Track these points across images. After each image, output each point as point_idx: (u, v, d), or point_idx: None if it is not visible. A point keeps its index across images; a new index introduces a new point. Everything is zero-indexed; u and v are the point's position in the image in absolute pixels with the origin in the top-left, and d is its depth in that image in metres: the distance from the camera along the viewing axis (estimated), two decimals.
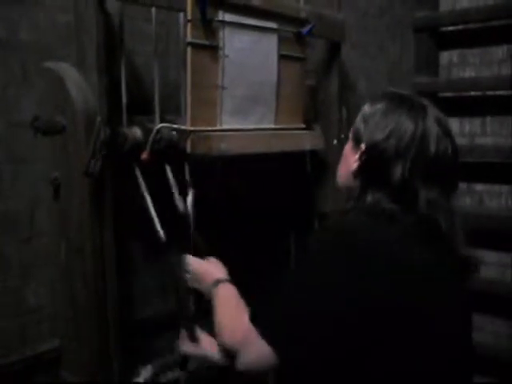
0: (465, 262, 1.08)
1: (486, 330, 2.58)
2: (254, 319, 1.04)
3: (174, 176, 1.46)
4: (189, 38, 1.40)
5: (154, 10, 1.44)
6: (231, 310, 1.17)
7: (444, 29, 2.83)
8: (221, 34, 1.47)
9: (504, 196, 2.72)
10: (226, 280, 1.27)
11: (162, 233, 1.42)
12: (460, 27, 2.78)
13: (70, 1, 1.33)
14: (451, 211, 1.03)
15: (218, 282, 1.26)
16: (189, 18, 1.39)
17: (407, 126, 1.03)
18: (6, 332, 1.38)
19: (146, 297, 1.60)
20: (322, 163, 1.99)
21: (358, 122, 1.13)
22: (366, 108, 1.12)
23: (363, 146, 1.07)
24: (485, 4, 2.65)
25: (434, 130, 1.03)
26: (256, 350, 1.02)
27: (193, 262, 1.35)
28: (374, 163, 1.06)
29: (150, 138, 1.39)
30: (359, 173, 1.08)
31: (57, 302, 1.40)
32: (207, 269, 1.33)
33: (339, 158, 1.22)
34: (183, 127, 1.43)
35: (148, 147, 1.38)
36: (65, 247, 1.33)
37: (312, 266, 1.02)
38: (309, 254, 1.06)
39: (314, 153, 1.89)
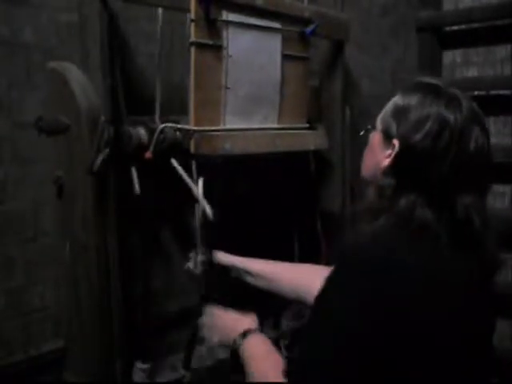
0: (494, 266, 1.03)
1: None
2: (290, 373, 0.98)
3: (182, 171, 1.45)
4: (192, 38, 1.40)
5: (158, 10, 1.44)
6: (265, 367, 1.08)
7: (447, 28, 2.82)
8: (224, 33, 1.47)
9: (507, 196, 2.71)
10: (254, 330, 1.19)
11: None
12: (463, 26, 2.77)
13: (73, 1, 1.33)
14: (486, 213, 0.97)
15: (244, 333, 1.17)
16: (192, 17, 1.39)
17: (446, 122, 0.94)
18: (10, 332, 1.38)
19: (151, 296, 1.60)
20: (325, 163, 1.99)
21: (389, 114, 1.02)
22: (399, 100, 1.02)
23: (397, 144, 0.98)
24: (488, 3, 2.64)
25: (472, 126, 0.95)
26: None
27: (215, 313, 1.30)
28: (410, 164, 0.97)
29: (154, 138, 1.39)
30: (391, 171, 0.99)
31: (61, 302, 1.41)
32: (230, 322, 1.25)
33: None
34: (187, 127, 1.43)
35: (151, 147, 1.38)
36: (69, 247, 1.33)
37: (340, 308, 0.93)
38: (335, 291, 0.95)
39: (317, 152, 1.88)
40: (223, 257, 1.45)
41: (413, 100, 0.99)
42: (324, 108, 2.00)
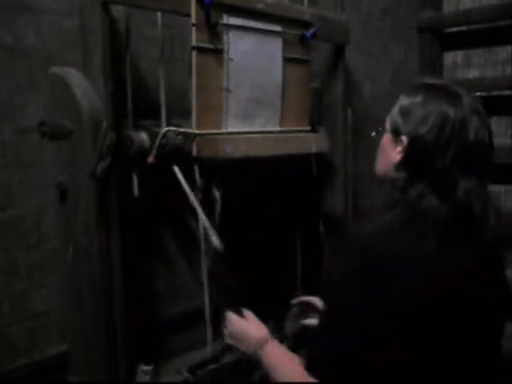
0: (494, 253, 1.09)
1: None
2: (310, 368, 1.06)
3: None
4: (193, 42, 1.40)
5: (159, 14, 1.44)
6: (288, 371, 1.14)
7: (448, 29, 2.83)
8: (225, 37, 1.47)
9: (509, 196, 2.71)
10: (268, 339, 1.25)
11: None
12: (464, 28, 2.78)
13: (75, 6, 1.34)
14: (486, 198, 1.04)
15: (261, 342, 1.23)
16: (193, 22, 1.39)
17: (447, 116, 1.03)
18: (14, 336, 1.38)
19: (154, 298, 1.61)
20: (327, 165, 1.99)
21: (396, 114, 1.11)
22: (404, 100, 1.11)
23: (405, 139, 1.07)
24: (488, 4, 2.65)
25: (472, 118, 1.03)
26: None
27: (234, 322, 1.32)
28: (417, 156, 1.06)
29: (156, 142, 1.39)
30: (402, 165, 1.08)
31: (64, 306, 1.41)
32: (248, 330, 1.29)
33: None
34: (189, 131, 1.43)
35: (154, 151, 1.39)
36: (71, 251, 1.33)
37: (347, 298, 1.04)
38: (342, 283, 1.08)
39: (319, 155, 1.89)
40: None
41: (416, 99, 1.08)
42: (325, 110, 2.00)
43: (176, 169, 1.45)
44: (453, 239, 1.00)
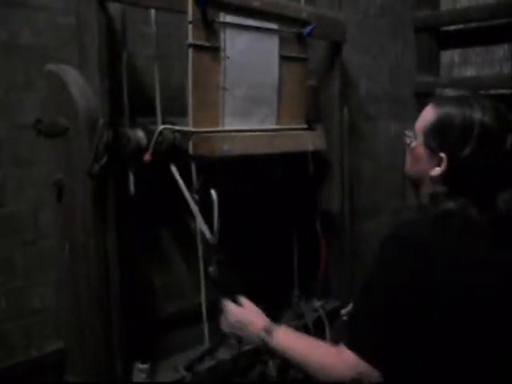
0: None
1: None
2: (350, 345, 1.06)
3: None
4: (190, 40, 1.40)
5: (155, 11, 1.44)
6: (316, 349, 1.15)
7: (445, 28, 2.83)
8: (222, 35, 1.47)
9: None
10: (273, 324, 1.23)
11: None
12: (461, 26, 2.78)
13: (71, 3, 1.34)
14: None
15: (267, 328, 1.21)
16: (190, 19, 1.39)
17: (486, 132, 1.04)
18: (11, 333, 1.38)
19: (151, 296, 1.61)
20: (324, 163, 1.99)
21: (430, 128, 1.11)
22: (437, 113, 1.11)
23: (445, 157, 1.07)
24: (485, 3, 2.64)
25: (504, 129, 1.06)
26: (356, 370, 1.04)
27: (233, 311, 1.31)
28: (460, 173, 1.07)
29: (153, 140, 1.39)
30: (441, 180, 1.09)
31: (61, 303, 1.41)
32: (249, 317, 1.28)
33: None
34: (185, 128, 1.43)
35: (150, 149, 1.39)
36: (68, 249, 1.33)
37: (382, 282, 1.07)
38: (379, 269, 1.09)
39: (316, 153, 1.89)
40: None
41: (451, 112, 1.08)
42: (322, 108, 2.01)
43: (173, 168, 1.45)
44: (489, 241, 1.03)
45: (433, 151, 1.10)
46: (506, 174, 1.06)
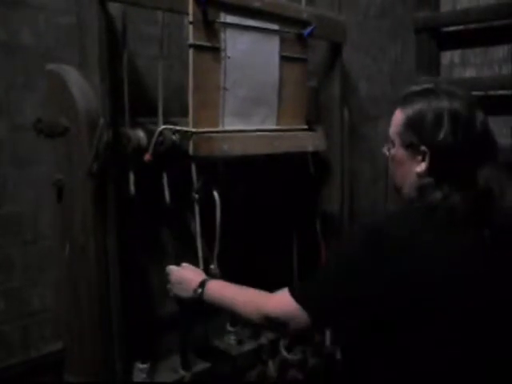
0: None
1: None
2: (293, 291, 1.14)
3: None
4: (191, 40, 1.40)
5: (157, 12, 1.44)
6: (245, 290, 1.25)
7: (445, 29, 2.83)
8: (222, 35, 1.47)
9: None
10: (208, 279, 1.34)
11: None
12: (461, 27, 2.78)
13: (71, 3, 1.34)
14: (503, 183, 1.09)
15: (203, 282, 1.31)
16: (190, 20, 1.39)
17: (456, 116, 1.07)
18: (10, 333, 1.38)
19: (151, 297, 1.60)
20: (324, 164, 1.99)
21: (404, 128, 1.13)
22: (407, 112, 1.13)
23: (425, 149, 1.09)
24: (486, 4, 2.64)
25: (475, 111, 1.10)
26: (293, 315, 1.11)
27: (173, 271, 1.40)
28: (442, 160, 1.09)
29: (153, 140, 1.39)
30: (427, 172, 1.11)
31: (60, 304, 1.41)
32: (188, 276, 1.37)
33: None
34: (186, 129, 1.43)
35: (150, 149, 1.39)
36: (68, 248, 1.33)
37: (344, 255, 1.12)
38: (343, 247, 1.18)
39: (316, 154, 1.89)
40: None
41: (420, 106, 1.11)
42: (322, 109, 2.01)
43: (164, 176, 1.49)
44: (469, 225, 1.05)
45: (414, 147, 1.12)
46: (481, 152, 1.08)
